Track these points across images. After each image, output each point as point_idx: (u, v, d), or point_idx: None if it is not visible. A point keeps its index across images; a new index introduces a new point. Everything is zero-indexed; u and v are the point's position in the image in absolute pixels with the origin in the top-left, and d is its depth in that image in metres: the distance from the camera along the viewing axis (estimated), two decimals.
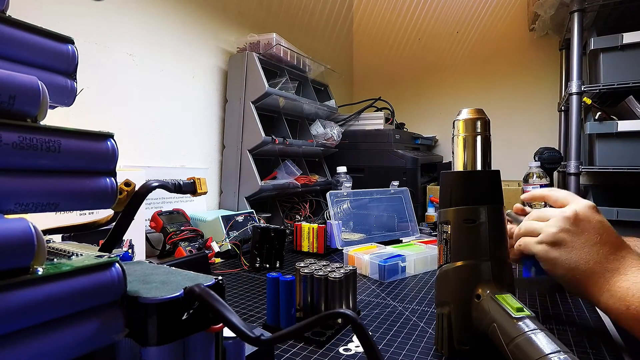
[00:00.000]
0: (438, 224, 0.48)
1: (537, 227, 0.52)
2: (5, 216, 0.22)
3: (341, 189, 1.29)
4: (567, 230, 0.48)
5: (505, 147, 1.77)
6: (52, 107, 0.30)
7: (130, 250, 0.79)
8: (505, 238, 0.46)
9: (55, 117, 0.73)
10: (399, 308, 0.61)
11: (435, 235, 0.76)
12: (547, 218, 0.51)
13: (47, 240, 0.34)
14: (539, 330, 0.36)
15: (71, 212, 0.45)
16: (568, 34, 1.43)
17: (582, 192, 1.41)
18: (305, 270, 0.54)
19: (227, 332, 0.28)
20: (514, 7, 1.85)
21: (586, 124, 1.27)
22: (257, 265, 0.82)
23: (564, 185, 1.46)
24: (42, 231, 0.22)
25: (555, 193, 0.54)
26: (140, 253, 0.81)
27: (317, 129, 1.44)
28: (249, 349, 0.35)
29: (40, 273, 0.21)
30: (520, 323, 0.38)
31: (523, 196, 0.61)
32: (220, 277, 0.29)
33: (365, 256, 0.80)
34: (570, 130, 1.29)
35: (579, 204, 0.50)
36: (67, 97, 0.30)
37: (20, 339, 0.20)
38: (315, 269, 0.55)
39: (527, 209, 0.59)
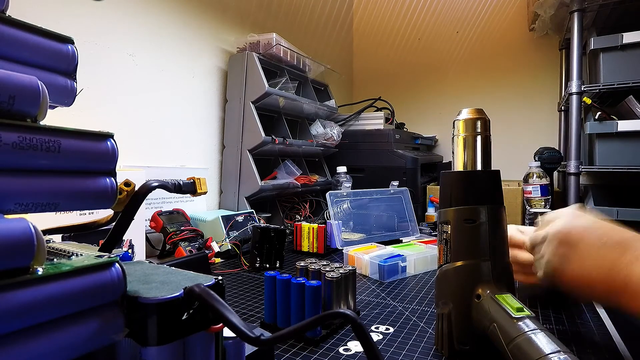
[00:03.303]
0: (438, 224, 0.48)
1: (535, 241, 0.50)
2: (5, 216, 0.22)
3: (341, 189, 1.29)
4: (559, 251, 0.45)
5: (505, 147, 1.77)
6: (52, 107, 0.30)
7: (130, 250, 0.79)
8: (506, 238, 0.46)
9: (55, 117, 0.73)
10: (399, 308, 0.61)
11: (435, 235, 0.76)
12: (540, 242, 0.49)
13: (47, 240, 0.34)
14: (539, 330, 0.36)
15: (71, 212, 0.45)
16: (568, 34, 1.43)
17: (582, 192, 1.41)
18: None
19: (227, 332, 0.28)
20: (514, 7, 1.85)
21: (586, 124, 1.27)
22: (257, 265, 0.82)
23: (563, 185, 1.46)
24: (42, 231, 0.22)
25: (542, 220, 0.51)
26: (140, 253, 0.81)
27: (317, 129, 1.44)
28: (249, 349, 0.35)
29: (40, 273, 0.21)
30: (520, 323, 0.38)
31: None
32: (220, 277, 0.29)
33: (365, 256, 0.80)
34: (570, 130, 1.29)
35: (561, 217, 0.47)
36: (67, 97, 0.30)
37: (20, 339, 0.20)
38: (314, 269, 0.55)
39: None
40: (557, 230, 0.46)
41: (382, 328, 0.54)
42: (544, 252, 0.48)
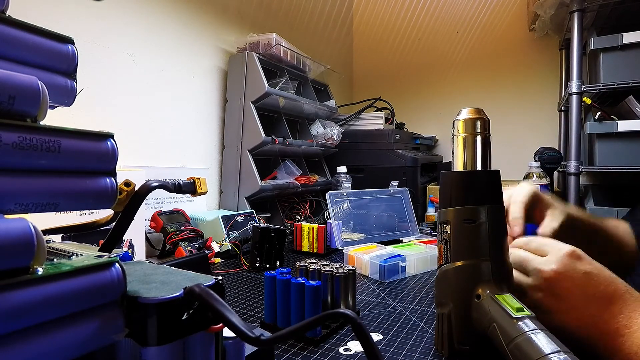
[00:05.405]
0: (438, 224, 0.48)
1: (527, 268, 0.47)
2: (5, 216, 0.22)
3: (341, 189, 1.29)
4: (547, 296, 0.44)
5: (505, 147, 1.77)
6: (52, 107, 0.30)
7: (130, 250, 0.79)
8: (505, 238, 0.46)
9: (55, 117, 0.73)
10: (399, 308, 0.61)
11: (435, 235, 0.76)
12: (531, 265, 0.46)
13: (47, 240, 0.34)
14: (539, 330, 0.36)
15: (71, 212, 0.45)
16: (568, 34, 1.43)
17: (582, 192, 1.41)
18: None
19: (227, 332, 0.28)
20: (514, 7, 1.85)
21: (586, 124, 1.27)
22: (257, 265, 0.82)
23: (563, 185, 1.46)
24: (42, 231, 0.22)
25: (532, 243, 0.49)
26: (140, 253, 0.81)
27: (317, 129, 1.44)
28: (249, 349, 0.35)
29: (40, 273, 0.21)
30: (520, 323, 0.38)
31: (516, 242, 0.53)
32: (220, 277, 0.29)
33: (365, 256, 0.80)
34: (570, 130, 1.29)
35: (558, 258, 0.44)
36: (67, 97, 0.30)
37: (20, 339, 0.20)
38: (314, 269, 0.55)
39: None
40: (549, 277, 0.44)
41: (382, 328, 0.54)
42: (532, 295, 0.46)
